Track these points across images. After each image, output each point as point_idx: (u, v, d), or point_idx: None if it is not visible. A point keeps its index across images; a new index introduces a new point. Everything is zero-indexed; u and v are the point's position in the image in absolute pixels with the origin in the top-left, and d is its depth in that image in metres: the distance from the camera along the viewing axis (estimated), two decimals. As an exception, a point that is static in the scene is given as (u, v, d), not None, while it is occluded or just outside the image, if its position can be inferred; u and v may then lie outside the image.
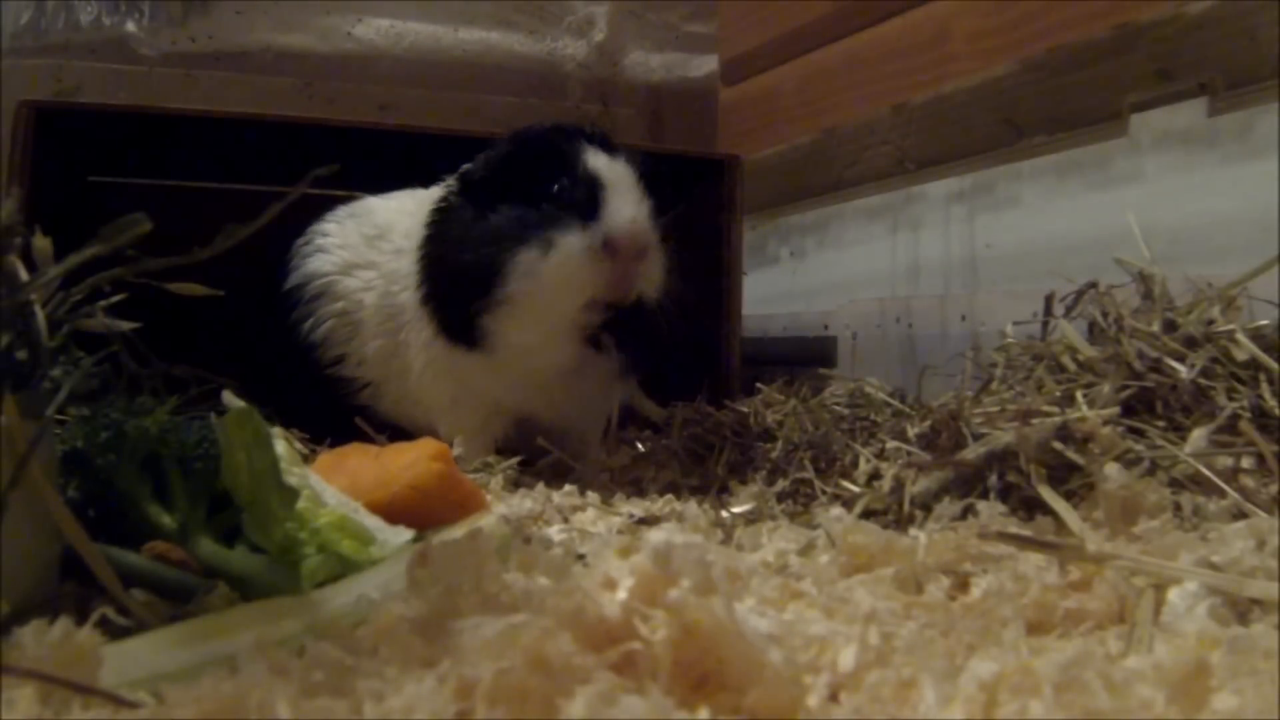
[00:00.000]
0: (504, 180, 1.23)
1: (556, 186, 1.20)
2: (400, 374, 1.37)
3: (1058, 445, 0.87)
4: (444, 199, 1.31)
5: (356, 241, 1.43)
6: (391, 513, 0.76)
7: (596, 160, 1.21)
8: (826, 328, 1.92)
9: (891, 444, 1.08)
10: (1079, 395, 0.96)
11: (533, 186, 1.21)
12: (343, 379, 1.41)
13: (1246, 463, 0.84)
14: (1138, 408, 0.95)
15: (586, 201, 1.18)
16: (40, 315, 0.64)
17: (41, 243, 0.68)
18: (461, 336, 1.25)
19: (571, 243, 1.15)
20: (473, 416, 1.30)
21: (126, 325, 0.77)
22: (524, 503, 1.02)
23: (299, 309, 1.43)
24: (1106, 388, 0.95)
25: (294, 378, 1.41)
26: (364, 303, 1.39)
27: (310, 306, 1.43)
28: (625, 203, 1.18)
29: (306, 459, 1.03)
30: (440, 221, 1.29)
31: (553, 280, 1.16)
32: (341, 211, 1.50)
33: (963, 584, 0.67)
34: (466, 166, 1.32)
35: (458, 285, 1.24)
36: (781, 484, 1.06)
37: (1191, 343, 0.99)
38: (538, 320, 1.21)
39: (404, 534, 0.72)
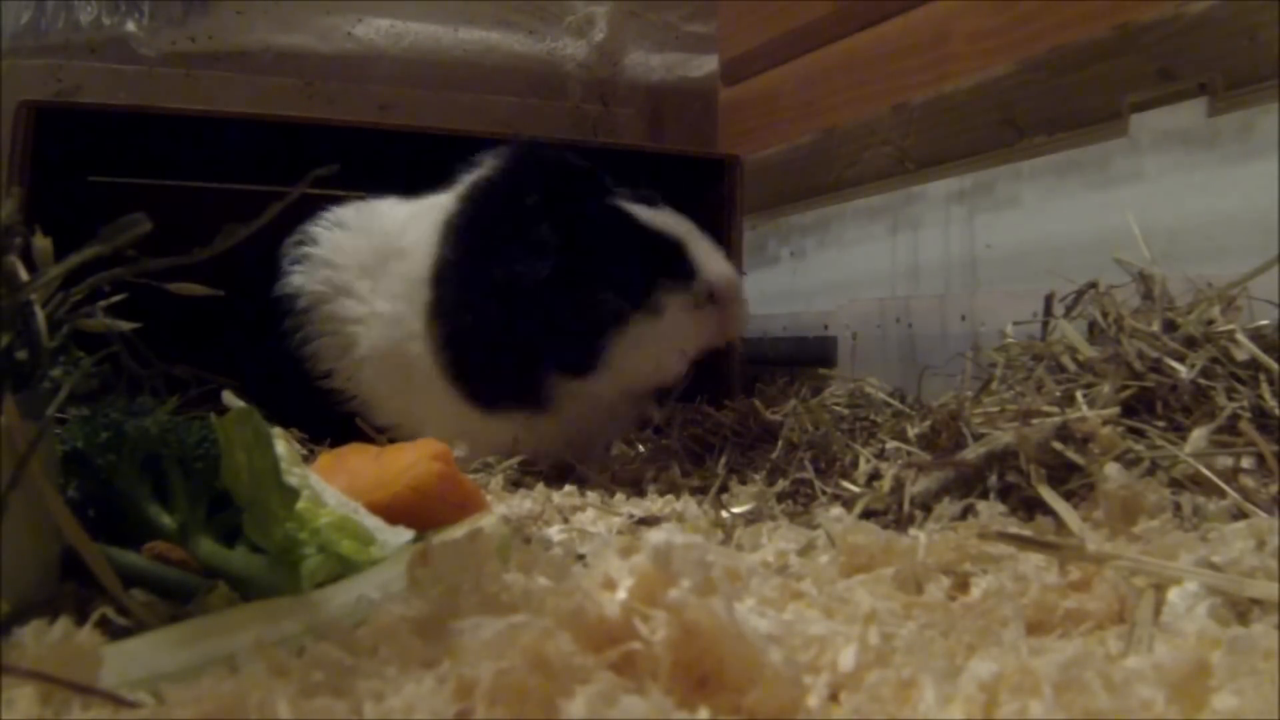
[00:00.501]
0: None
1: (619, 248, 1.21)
2: (402, 410, 1.34)
3: (1058, 445, 0.87)
4: (450, 255, 1.26)
5: (346, 263, 1.38)
6: (391, 513, 0.76)
7: (639, 210, 1.24)
8: (826, 328, 1.92)
9: (891, 444, 1.08)
10: (1079, 395, 0.96)
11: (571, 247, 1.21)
12: (333, 390, 1.38)
13: (1246, 463, 0.84)
14: (1138, 408, 0.95)
15: (672, 257, 1.21)
16: (40, 315, 0.64)
17: (41, 243, 0.68)
18: (519, 403, 1.25)
19: (679, 301, 1.19)
20: (483, 454, 1.27)
21: (126, 325, 0.77)
22: (524, 503, 1.02)
23: (289, 319, 1.40)
24: (1106, 388, 0.95)
25: (285, 382, 1.38)
26: (358, 337, 1.35)
27: (299, 319, 1.39)
28: (710, 253, 1.24)
29: (306, 459, 1.03)
30: (461, 287, 1.25)
31: (667, 339, 1.20)
32: (330, 218, 1.45)
33: (963, 584, 0.67)
34: (460, 210, 1.28)
35: (525, 356, 1.22)
36: (781, 484, 1.06)
37: (1191, 343, 0.99)
38: (640, 380, 1.25)
39: (404, 534, 0.72)
